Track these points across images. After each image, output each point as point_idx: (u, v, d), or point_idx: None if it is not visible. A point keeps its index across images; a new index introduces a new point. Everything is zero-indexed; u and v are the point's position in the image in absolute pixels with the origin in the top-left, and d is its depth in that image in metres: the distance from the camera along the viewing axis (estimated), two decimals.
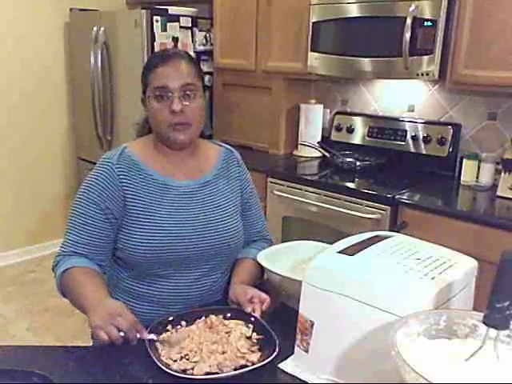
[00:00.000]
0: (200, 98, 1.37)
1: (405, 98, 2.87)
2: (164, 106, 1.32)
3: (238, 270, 1.45)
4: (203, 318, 1.21)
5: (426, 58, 2.35)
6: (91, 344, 1.45)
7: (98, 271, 1.32)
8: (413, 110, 2.84)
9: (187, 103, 1.33)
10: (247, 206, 1.54)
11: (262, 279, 1.47)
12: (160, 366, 1.03)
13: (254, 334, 1.16)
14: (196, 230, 1.37)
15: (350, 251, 1.02)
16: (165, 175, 1.39)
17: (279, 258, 1.39)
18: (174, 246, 1.34)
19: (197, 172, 1.43)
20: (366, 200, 2.36)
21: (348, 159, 2.73)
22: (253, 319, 1.20)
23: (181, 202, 1.38)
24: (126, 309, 1.13)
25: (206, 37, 3.42)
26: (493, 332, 0.77)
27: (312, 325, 1.01)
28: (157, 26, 3.16)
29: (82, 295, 1.22)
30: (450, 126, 2.65)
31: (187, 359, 1.07)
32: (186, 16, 3.31)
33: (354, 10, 2.57)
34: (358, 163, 2.69)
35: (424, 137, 2.71)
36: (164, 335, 1.14)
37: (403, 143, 2.80)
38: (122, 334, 1.07)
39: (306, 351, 1.03)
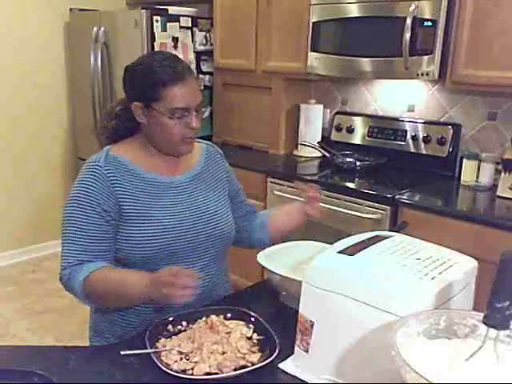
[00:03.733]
0: (203, 111, 1.42)
1: (405, 98, 2.87)
2: (179, 122, 1.34)
3: (273, 215, 1.63)
4: (204, 318, 1.21)
5: (425, 57, 2.35)
6: (89, 344, 1.46)
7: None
8: (413, 110, 2.84)
9: (199, 117, 1.37)
10: (239, 193, 1.63)
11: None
12: (160, 366, 1.03)
13: (255, 334, 1.16)
14: (191, 223, 1.39)
15: (350, 251, 1.02)
16: (153, 173, 1.40)
17: (279, 258, 1.39)
18: (172, 241, 1.35)
19: (183, 168, 1.46)
20: (366, 200, 2.36)
21: (348, 159, 2.73)
22: (253, 319, 1.20)
23: (172, 197, 1.40)
24: (175, 268, 1.18)
25: (206, 37, 3.42)
26: (493, 332, 0.77)
27: (312, 325, 1.01)
28: (157, 26, 3.16)
29: (126, 284, 1.24)
30: (450, 126, 2.65)
31: (187, 359, 1.07)
32: (185, 16, 3.30)
33: (353, 10, 2.57)
34: (357, 163, 2.69)
35: (424, 137, 2.71)
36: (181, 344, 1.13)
37: (403, 143, 2.80)
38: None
39: (306, 351, 1.03)
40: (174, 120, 1.33)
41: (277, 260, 1.37)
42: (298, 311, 1.04)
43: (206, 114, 1.42)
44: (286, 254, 1.43)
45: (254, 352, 1.10)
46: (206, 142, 1.60)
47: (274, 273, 1.29)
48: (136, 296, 1.24)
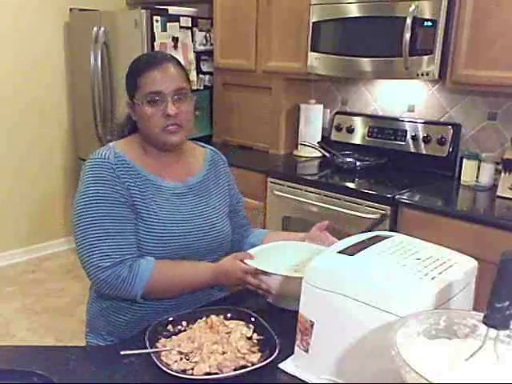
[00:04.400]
0: (190, 102, 1.38)
1: (405, 98, 2.87)
2: (157, 110, 1.32)
3: (273, 236, 1.56)
4: (204, 318, 1.21)
5: (425, 57, 2.35)
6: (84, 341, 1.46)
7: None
8: (413, 110, 2.84)
9: (179, 106, 1.34)
10: (238, 204, 1.60)
11: None
12: (160, 366, 1.03)
13: (255, 334, 1.16)
14: (192, 229, 1.39)
15: (350, 251, 1.02)
16: (156, 176, 1.39)
17: (266, 259, 1.35)
18: (174, 246, 1.35)
19: (185, 174, 1.45)
20: (366, 200, 2.36)
21: (348, 159, 2.73)
22: (253, 319, 1.20)
23: (175, 202, 1.39)
24: (235, 262, 1.30)
25: (206, 37, 3.42)
26: (493, 332, 0.77)
27: (312, 325, 1.01)
28: (157, 26, 3.16)
29: (191, 278, 1.34)
30: (450, 126, 2.65)
31: (187, 359, 1.07)
32: (186, 16, 3.30)
33: (353, 10, 2.57)
34: (357, 163, 2.69)
35: (424, 137, 2.71)
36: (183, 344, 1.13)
37: (403, 143, 2.80)
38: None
39: (306, 351, 1.03)
40: (150, 108, 1.32)
41: (264, 261, 1.33)
42: (297, 311, 1.04)
43: (192, 103, 1.40)
44: (273, 255, 1.40)
45: (253, 352, 1.09)
46: (210, 147, 1.58)
47: (263, 271, 1.27)
48: (200, 284, 1.36)
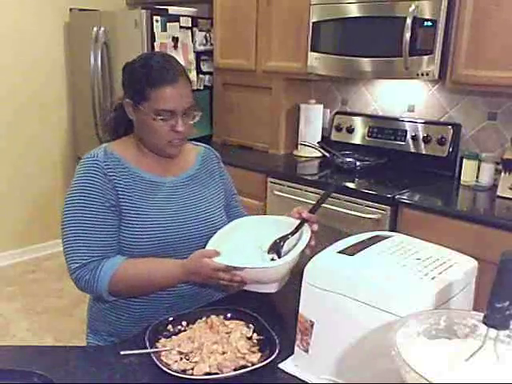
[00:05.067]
0: (194, 116, 1.40)
1: (405, 98, 2.87)
2: (166, 125, 1.33)
3: None
4: (204, 318, 1.21)
5: (425, 58, 2.35)
6: (86, 344, 1.46)
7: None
8: (413, 110, 2.84)
9: (187, 122, 1.36)
10: (232, 198, 1.61)
11: None
12: (160, 366, 1.03)
13: (255, 334, 1.16)
14: (186, 222, 1.40)
15: (350, 251, 1.02)
16: (149, 173, 1.40)
17: (229, 241, 1.35)
18: (167, 240, 1.36)
19: (178, 169, 1.47)
20: (366, 200, 2.36)
21: (348, 159, 2.73)
22: (253, 319, 1.20)
23: (168, 196, 1.41)
24: (204, 261, 1.24)
25: (206, 37, 3.42)
26: (493, 332, 0.77)
27: (312, 325, 1.01)
28: (157, 26, 3.16)
29: (157, 275, 1.31)
30: (450, 126, 2.65)
31: (187, 359, 1.07)
32: (186, 16, 3.30)
33: (353, 10, 2.57)
34: (357, 163, 2.69)
35: (424, 137, 2.71)
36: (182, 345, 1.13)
37: (403, 143, 2.80)
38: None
39: (306, 351, 1.03)
40: (158, 122, 1.32)
41: (227, 244, 1.33)
42: (297, 310, 1.05)
43: (197, 118, 1.40)
44: (235, 235, 1.39)
45: (253, 352, 1.10)
46: (204, 145, 1.61)
47: (234, 267, 1.25)
48: (169, 283, 1.33)
